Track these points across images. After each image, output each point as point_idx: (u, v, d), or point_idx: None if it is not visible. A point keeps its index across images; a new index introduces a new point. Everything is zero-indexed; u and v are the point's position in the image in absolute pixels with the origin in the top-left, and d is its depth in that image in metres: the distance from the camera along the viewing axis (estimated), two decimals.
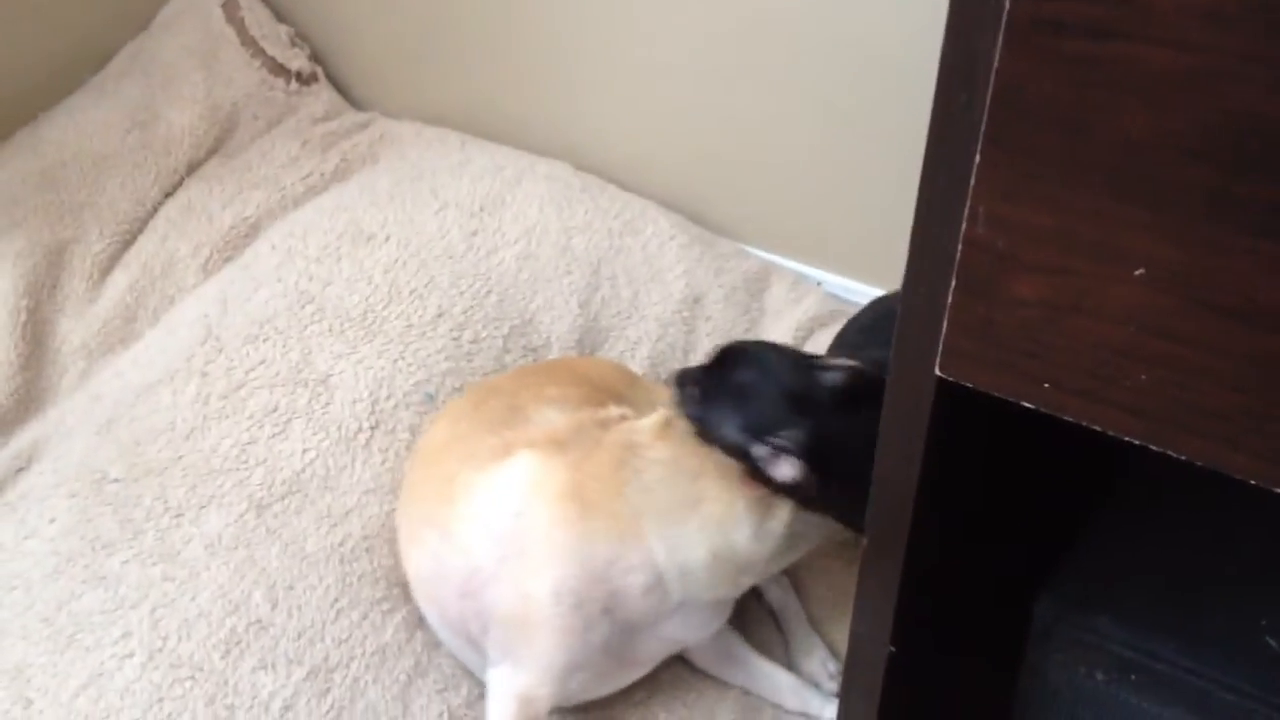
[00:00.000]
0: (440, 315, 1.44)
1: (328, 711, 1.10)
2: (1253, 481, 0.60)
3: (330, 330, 1.41)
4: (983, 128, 0.59)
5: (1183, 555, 0.89)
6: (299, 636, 1.15)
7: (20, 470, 1.35)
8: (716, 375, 1.06)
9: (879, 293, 1.42)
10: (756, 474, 1.01)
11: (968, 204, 0.61)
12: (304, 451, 1.30)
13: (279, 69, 1.82)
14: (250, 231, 1.64)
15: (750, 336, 1.51)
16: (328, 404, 1.34)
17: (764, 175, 1.60)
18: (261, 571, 1.19)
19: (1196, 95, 0.53)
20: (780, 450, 0.98)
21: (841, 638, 1.17)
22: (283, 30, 1.87)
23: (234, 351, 1.39)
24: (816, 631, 1.24)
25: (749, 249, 1.64)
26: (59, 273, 1.56)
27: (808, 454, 0.98)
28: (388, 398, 1.35)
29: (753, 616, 1.25)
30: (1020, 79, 0.57)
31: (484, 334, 1.44)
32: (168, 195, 1.69)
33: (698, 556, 1.04)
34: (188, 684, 1.10)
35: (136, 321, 1.55)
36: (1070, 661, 0.85)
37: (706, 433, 1.04)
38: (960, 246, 0.62)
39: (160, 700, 1.09)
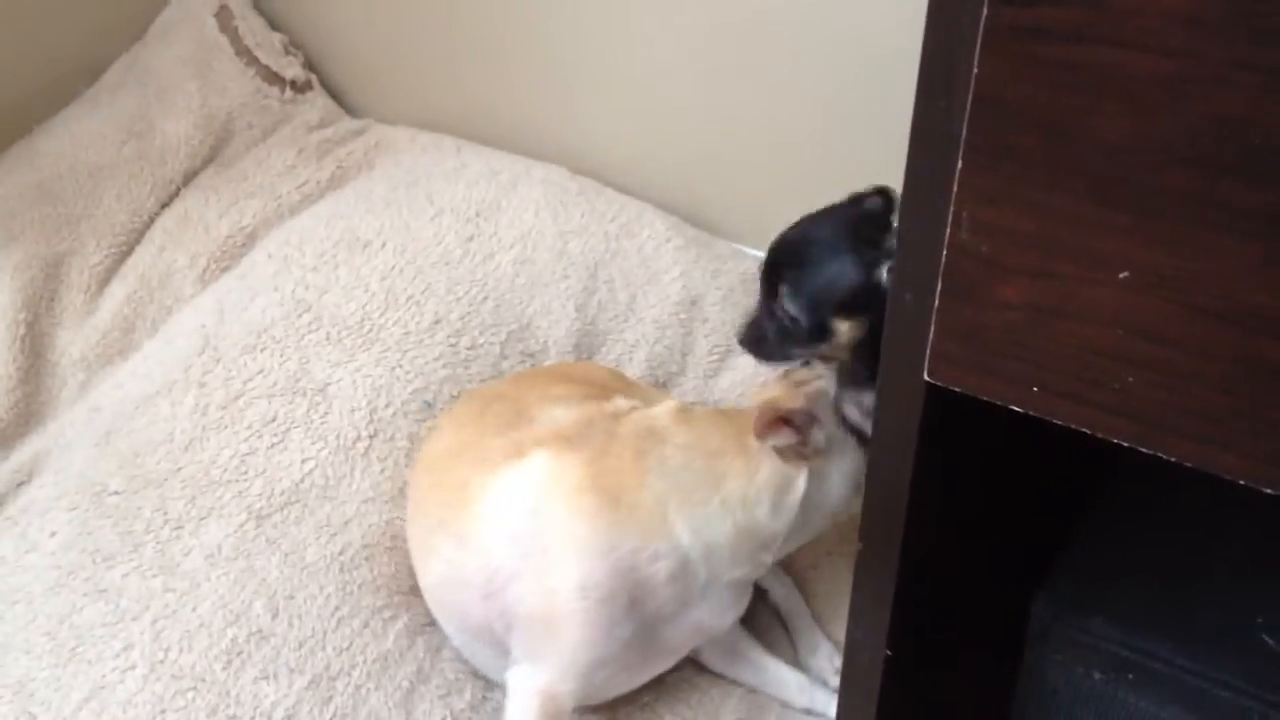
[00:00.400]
0: (437, 322, 1.44)
1: None
2: (1243, 481, 0.60)
3: (328, 339, 1.41)
4: (963, 133, 0.59)
5: (1176, 554, 0.89)
6: (300, 646, 1.15)
7: (21, 484, 1.35)
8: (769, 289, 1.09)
9: None
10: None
11: (951, 209, 0.61)
12: (303, 461, 1.29)
13: (273, 77, 1.82)
14: (247, 241, 1.64)
15: None
16: (326, 413, 1.34)
17: (762, 176, 1.60)
18: (262, 581, 1.19)
19: (1178, 100, 0.54)
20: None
21: None
22: (276, 39, 1.86)
23: (232, 361, 1.39)
24: (822, 629, 1.25)
25: (746, 250, 1.64)
26: (57, 285, 1.56)
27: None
28: (386, 406, 1.35)
29: (759, 615, 1.25)
30: (1000, 84, 0.57)
31: (481, 340, 1.44)
32: (164, 206, 1.69)
33: (723, 532, 1.06)
34: (190, 695, 1.10)
35: (135, 333, 1.55)
36: (1068, 661, 0.85)
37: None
38: (945, 251, 0.63)
39: (163, 712, 1.09)
